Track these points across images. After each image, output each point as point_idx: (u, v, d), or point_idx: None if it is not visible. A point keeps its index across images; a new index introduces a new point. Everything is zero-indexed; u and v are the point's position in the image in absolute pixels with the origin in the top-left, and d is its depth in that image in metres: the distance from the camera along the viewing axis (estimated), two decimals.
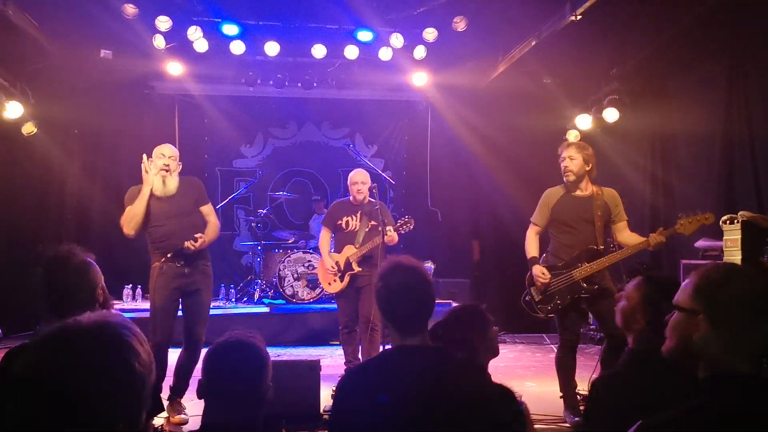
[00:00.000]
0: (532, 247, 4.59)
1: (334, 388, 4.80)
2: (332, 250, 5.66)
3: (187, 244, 4.53)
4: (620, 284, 5.30)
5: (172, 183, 4.66)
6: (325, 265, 5.45)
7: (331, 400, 4.59)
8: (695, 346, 1.59)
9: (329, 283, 5.49)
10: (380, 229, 5.10)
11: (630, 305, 2.48)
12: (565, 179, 4.51)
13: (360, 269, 5.31)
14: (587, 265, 4.31)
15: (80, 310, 2.30)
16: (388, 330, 2.25)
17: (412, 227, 5.33)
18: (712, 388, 1.55)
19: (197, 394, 2.03)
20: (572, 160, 4.46)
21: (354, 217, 5.47)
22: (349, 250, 5.41)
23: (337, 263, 5.41)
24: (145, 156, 4.66)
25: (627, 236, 4.50)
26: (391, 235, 5.19)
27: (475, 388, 2.10)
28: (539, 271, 4.43)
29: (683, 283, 1.68)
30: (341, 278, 5.39)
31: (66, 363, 1.15)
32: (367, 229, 5.34)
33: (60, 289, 2.33)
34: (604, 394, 2.28)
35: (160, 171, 4.59)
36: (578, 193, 4.52)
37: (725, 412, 1.49)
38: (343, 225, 5.48)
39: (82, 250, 2.51)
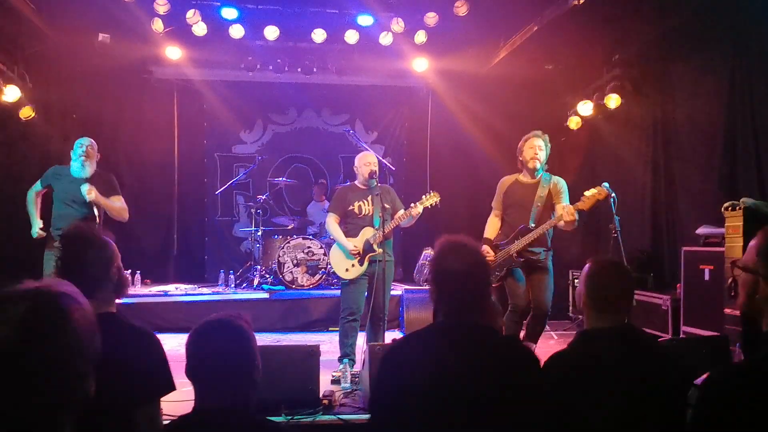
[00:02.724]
0: (488, 228, 5.19)
1: (335, 372, 4.81)
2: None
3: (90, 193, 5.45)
4: None
5: (89, 167, 5.59)
6: (346, 247, 5.30)
7: (332, 385, 4.61)
8: (758, 304, 1.70)
9: (347, 269, 5.35)
10: (402, 210, 5.31)
11: (579, 285, 2.55)
12: (530, 165, 4.95)
13: (380, 250, 5.22)
14: (519, 240, 4.85)
15: (95, 284, 2.32)
16: (439, 306, 2.22)
17: (438, 201, 5.31)
18: None
19: (186, 375, 1.99)
20: (541, 150, 4.94)
21: (366, 202, 5.40)
22: (368, 232, 5.33)
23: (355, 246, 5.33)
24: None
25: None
26: (417, 210, 5.19)
27: (521, 365, 2.12)
28: (484, 250, 4.84)
29: (750, 244, 1.74)
30: (360, 262, 5.31)
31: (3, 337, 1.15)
32: (381, 213, 5.23)
33: (75, 261, 2.35)
34: (554, 373, 2.31)
35: (80, 157, 5.56)
36: (527, 180, 5.03)
37: None
38: (356, 210, 5.38)
39: (101, 230, 2.58)
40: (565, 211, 4.59)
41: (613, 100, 7.66)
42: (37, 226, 5.57)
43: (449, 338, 2.12)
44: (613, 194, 4.82)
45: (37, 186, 5.76)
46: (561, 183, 4.98)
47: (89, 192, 5.45)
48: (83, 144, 5.65)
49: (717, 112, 6.43)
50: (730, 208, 5.15)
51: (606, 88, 7.75)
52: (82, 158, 5.57)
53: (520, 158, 5.03)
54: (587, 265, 2.52)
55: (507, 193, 5.09)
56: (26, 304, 1.18)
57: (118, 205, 5.71)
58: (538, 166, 4.93)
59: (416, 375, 2.04)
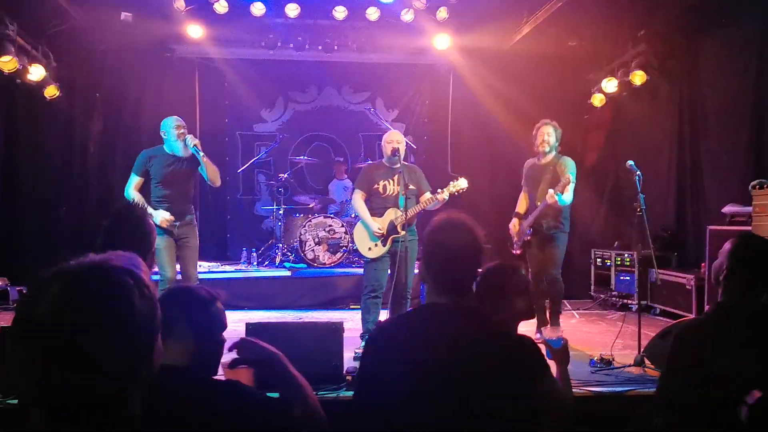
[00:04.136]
0: (518, 203, 5.91)
1: (358, 349, 4.85)
2: None
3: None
4: (646, 249, 5.28)
5: (192, 141, 5.39)
6: (371, 227, 5.28)
7: (355, 362, 4.64)
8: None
9: (369, 249, 5.34)
10: (429, 194, 5.35)
11: (720, 260, 2.62)
12: (540, 149, 5.64)
13: (404, 232, 5.23)
14: (529, 217, 5.63)
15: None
16: (427, 285, 2.18)
17: (466, 187, 5.27)
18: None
19: None
20: (549, 136, 5.59)
21: (391, 181, 5.37)
22: (393, 214, 5.30)
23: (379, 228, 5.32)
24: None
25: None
26: (443, 196, 5.19)
27: (504, 351, 2.02)
28: (511, 224, 5.86)
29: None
30: (384, 243, 5.30)
31: (60, 308, 1.15)
32: (405, 193, 5.17)
33: (117, 232, 2.55)
34: (688, 342, 2.49)
35: (182, 135, 5.39)
36: (540, 162, 5.70)
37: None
38: (380, 189, 5.35)
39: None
40: (548, 194, 5.28)
41: (638, 77, 7.55)
42: (160, 216, 5.21)
43: (435, 321, 2.03)
44: (638, 172, 4.76)
45: (134, 179, 5.39)
46: (566, 163, 5.54)
47: (192, 139, 5.32)
48: (177, 124, 5.41)
49: (745, 88, 6.31)
50: (757, 187, 5.08)
51: (631, 64, 7.64)
52: (188, 135, 5.36)
53: (535, 144, 5.71)
54: (733, 241, 2.60)
55: (527, 174, 5.82)
56: (84, 285, 1.19)
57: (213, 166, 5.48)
58: (547, 149, 5.60)
59: (399, 359, 1.98)
